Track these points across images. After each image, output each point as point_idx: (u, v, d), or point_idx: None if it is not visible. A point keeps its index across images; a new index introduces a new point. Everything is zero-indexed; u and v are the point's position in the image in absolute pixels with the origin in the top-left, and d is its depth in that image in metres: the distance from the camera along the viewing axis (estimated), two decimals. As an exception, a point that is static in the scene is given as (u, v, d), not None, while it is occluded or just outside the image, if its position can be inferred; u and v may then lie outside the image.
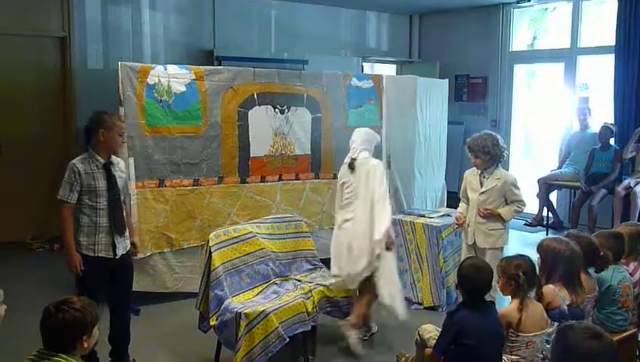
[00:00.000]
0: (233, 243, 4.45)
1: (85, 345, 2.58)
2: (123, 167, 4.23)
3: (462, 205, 5.12)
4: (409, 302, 5.67)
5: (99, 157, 3.98)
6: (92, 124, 4.02)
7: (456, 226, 5.19)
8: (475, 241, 4.89)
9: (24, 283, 6.08)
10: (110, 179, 4.00)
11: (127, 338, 4.29)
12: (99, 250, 4.00)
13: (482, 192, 4.86)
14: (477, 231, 4.88)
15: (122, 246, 4.11)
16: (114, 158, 4.10)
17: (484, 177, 4.89)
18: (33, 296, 5.51)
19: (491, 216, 4.82)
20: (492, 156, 4.80)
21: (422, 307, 5.62)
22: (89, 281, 3.99)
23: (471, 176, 5.01)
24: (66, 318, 2.53)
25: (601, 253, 3.77)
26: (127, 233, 4.18)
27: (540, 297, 3.43)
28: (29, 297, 5.46)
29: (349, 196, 4.80)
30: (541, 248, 3.66)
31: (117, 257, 4.07)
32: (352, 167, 4.82)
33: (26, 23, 7.36)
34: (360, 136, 4.92)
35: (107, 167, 4.00)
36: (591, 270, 3.77)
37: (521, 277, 3.31)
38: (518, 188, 4.88)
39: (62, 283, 6.02)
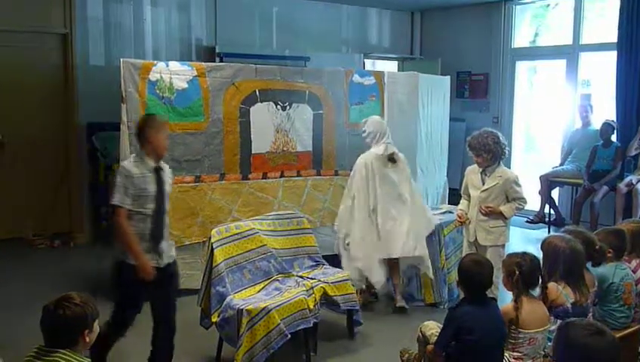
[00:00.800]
0: (235, 240, 4.44)
1: (87, 339, 2.59)
2: (170, 173, 4.00)
3: (463, 202, 5.12)
4: (412, 298, 5.69)
5: (149, 160, 3.77)
6: (140, 125, 3.88)
7: (459, 223, 5.20)
8: (476, 238, 4.90)
9: (26, 280, 6.10)
10: (160, 183, 3.80)
11: (172, 352, 4.03)
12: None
13: (484, 190, 4.86)
14: (478, 229, 4.89)
15: (167, 256, 3.86)
16: (162, 163, 3.88)
17: (485, 175, 4.89)
18: (35, 292, 5.53)
19: (493, 213, 4.82)
20: (494, 154, 4.81)
21: (423, 304, 5.63)
22: (134, 289, 3.79)
23: (472, 173, 5.01)
24: (67, 314, 2.53)
25: (597, 246, 3.76)
26: (171, 241, 3.97)
27: (544, 294, 3.43)
28: (30, 294, 5.49)
29: (393, 188, 5.32)
30: (544, 245, 3.66)
31: (162, 266, 3.81)
32: (394, 160, 5.33)
33: (28, 20, 7.35)
34: (385, 127, 5.42)
35: (157, 171, 3.80)
36: (588, 265, 3.77)
37: (515, 275, 3.32)
38: (519, 185, 4.88)
39: (64, 279, 6.06)
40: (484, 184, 4.88)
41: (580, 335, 2.32)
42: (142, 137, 3.82)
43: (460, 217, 5.07)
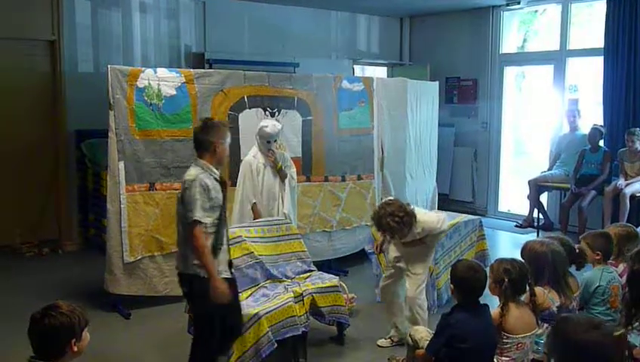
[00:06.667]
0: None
1: (75, 349, 2.56)
2: None
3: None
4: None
5: (214, 169, 3.68)
6: (207, 130, 3.70)
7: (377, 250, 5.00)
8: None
9: (14, 289, 6.05)
10: (224, 193, 3.71)
11: None
12: (221, 271, 3.64)
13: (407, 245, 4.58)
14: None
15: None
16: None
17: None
18: (24, 301, 5.49)
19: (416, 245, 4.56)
20: (405, 228, 4.32)
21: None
22: (219, 311, 3.61)
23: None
24: (53, 323, 2.51)
25: (576, 250, 3.78)
26: None
27: (533, 299, 3.42)
28: (19, 303, 5.45)
29: None
30: (524, 251, 3.66)
31: (233, 276, 3.80)
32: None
33: (16, 27, 7.31)
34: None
35: (222, 181, 3.72)
36: (572, 270, 3.79)
37: (504, 282, 3.31)
38: (439, 226, 4.50)
39: (53, 287, 6.02)
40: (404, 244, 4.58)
41: (579, 331, 2.31)
42: (209, 147, 3.68)
43: (377, 248, 4.89)
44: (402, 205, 4.35)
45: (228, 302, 3.60)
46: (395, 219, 4.22)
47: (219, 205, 3.63)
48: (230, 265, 3.79)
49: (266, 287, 4.53)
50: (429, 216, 4.55)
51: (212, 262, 3.54)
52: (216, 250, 3.61)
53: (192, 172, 3.62)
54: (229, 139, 3.80)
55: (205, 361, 3.76)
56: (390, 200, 4.53)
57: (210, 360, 3.77)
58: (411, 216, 4.30)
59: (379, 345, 4.79)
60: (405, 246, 4.58)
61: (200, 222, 3.51)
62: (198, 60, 8.53)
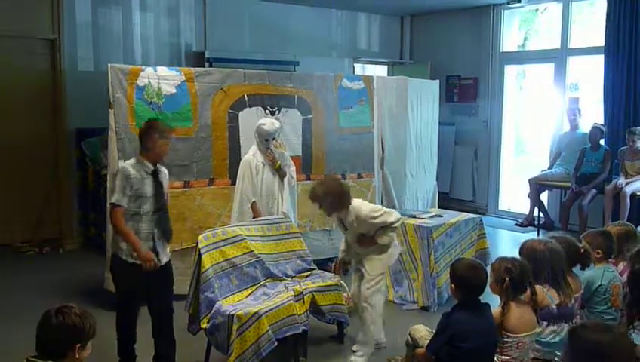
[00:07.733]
0: (221, 246, 4.43)
1: (77, 356, 2.55)
2: (167, 175, 4.23)
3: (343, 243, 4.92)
4: (404, 300, 5.69)
5: (148, 163, 4.00)
6: (146, 130, 4.05)
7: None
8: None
9: (14, 288, 6.04)
10: (157, 185, 4.02)
11: (174, 346, 4.26)
12: (136, 257, 3.96)
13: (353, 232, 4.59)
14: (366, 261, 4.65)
15: (165, 254, 4.13)
16: (159, 166, 4.11)
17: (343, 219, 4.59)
18: (23, 301, 5.50)
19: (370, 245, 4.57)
20: (330, 204, 4.43)
21: (417, 307, 5.61)
22: (127, 287, 4.09)
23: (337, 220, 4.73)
24: (66, 321, 2.52)
25: (582, 250, 3.78)
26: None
27: (534, 298, 3.42)
28: (19, 303, 5.46)
29: None
30: (523, 250, 3.66)
31: (161, 265, 4.06)
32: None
33: (16, 25, 7.31)
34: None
35: (155, 174, 4.03)
36: (576, 270, 3.78)
37: (506, 281, 3.31)
38: (375, 216, 4.45)
39: (53, 286, 6.02)
40: (347, 229, 4.61)
41: (591, 335, 2.32)
42: (146, 142, 4.01)
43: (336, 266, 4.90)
44: (337, 185, 4.53)
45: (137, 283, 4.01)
46: (325, 192, 4.39)
47: (142, 195, 3.95)
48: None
49: (266, 286, 4.52)
50: (363, 205, 4.55)
51: (130, 234, 3.91)
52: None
53: (124, 163, 4.13)
54: (167, 140, 4.08)
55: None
56: (333, 176, 4.76)
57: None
58: (340, 196, 4.39)
59: None
60: (361, 246, 4.60)
61: (115, 205, 3.91)
62: (199, 59, 8.53)
